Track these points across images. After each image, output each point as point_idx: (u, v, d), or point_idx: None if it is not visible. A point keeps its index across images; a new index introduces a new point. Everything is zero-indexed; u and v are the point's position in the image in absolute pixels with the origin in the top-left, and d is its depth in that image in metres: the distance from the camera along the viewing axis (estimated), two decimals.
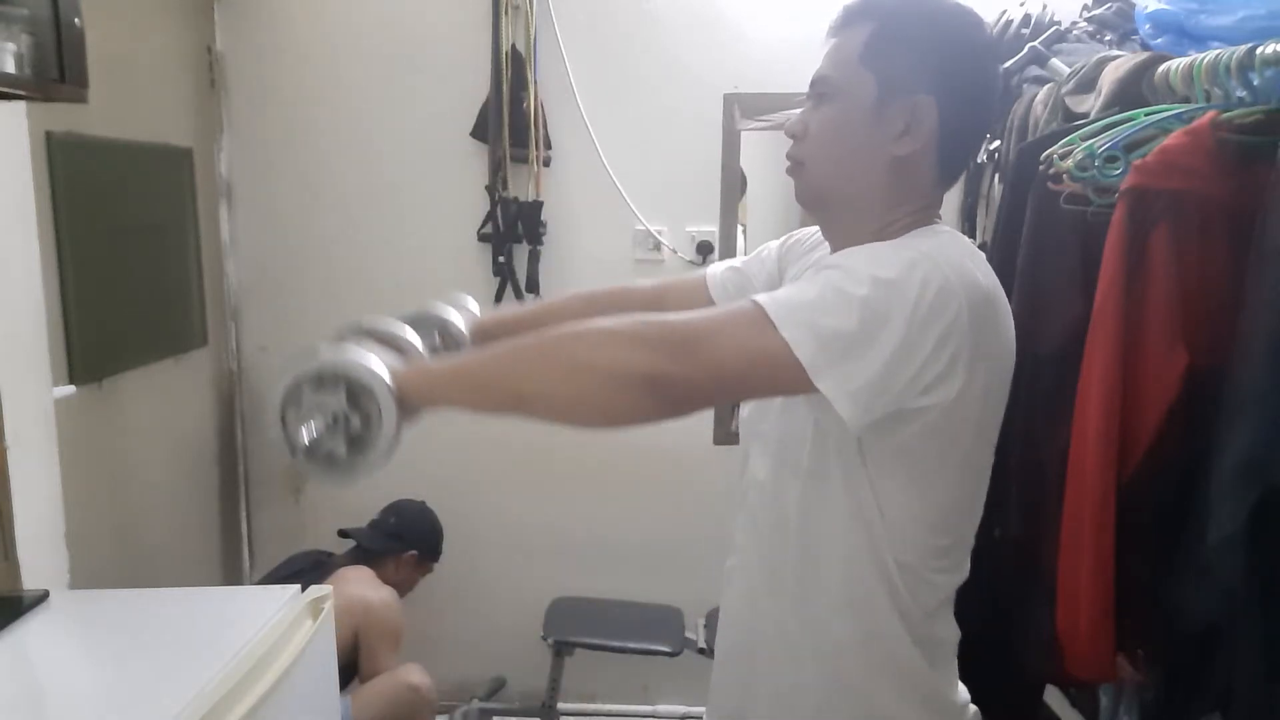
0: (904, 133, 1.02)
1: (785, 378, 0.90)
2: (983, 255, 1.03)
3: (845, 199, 1.07)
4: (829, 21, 1.07)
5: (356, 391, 0.96)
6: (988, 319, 0.95)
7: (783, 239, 1.29)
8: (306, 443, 0.98)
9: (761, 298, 0.92)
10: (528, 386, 0.95)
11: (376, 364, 0.96)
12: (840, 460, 1.01)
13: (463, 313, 1.31)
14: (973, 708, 1.14)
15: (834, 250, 1.12)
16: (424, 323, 1.26)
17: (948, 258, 0.94)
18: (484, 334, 1.29)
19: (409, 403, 0.97)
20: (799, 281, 0.97)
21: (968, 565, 1.09)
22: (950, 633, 1.11)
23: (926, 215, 1.06)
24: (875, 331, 0.89)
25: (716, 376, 0.91)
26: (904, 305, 0.89)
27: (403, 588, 2.36)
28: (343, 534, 2.42)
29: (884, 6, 1.04)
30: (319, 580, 2.11)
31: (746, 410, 1.19)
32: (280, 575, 2.26)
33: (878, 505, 1.01)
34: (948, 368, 0.92)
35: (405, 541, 2.38)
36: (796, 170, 1.09)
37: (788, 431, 1.08)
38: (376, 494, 2.58)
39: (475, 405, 1.00)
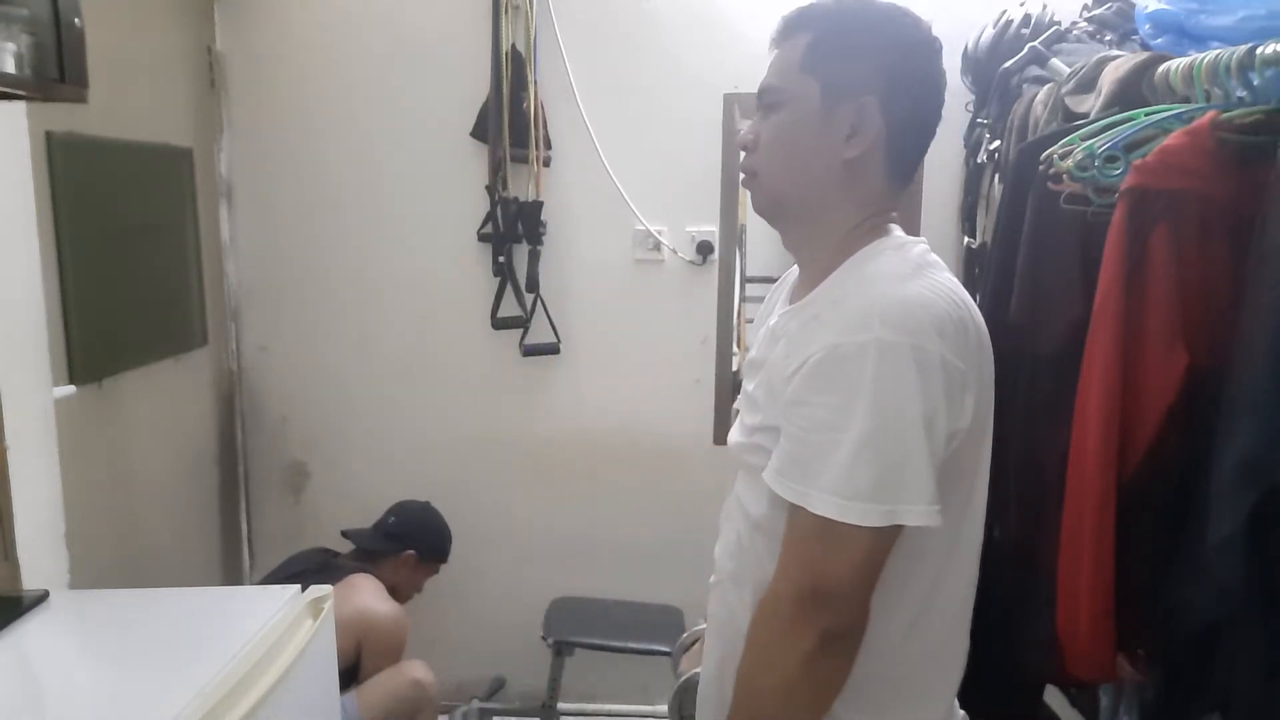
0: (851, 135, 1.04)
1: (884, 544, 0.95)
2: (929, 257, 1.04)
3: (799, 205, 1.09)
4: (769, 34, 1.12)
5: None
6: (962, 340, 0.97)
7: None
8: None
9: (803, 498, 0.95)
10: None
11: None
12: None
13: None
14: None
15: (799, 266, 1.14)
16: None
17: (898, 306, 0.95)
18: None
19: None
20: (797, 452, 0.98)
21: (969, 595, 1.10)
22: (955, 670, 1.11)
23: (880, 221, 1.08)
24: (904, 451, 0.92)
25: (856, 593, 0.96)
26: (904, 409, 0.92)
27: (404, 589, 2.35)
28: (345, 535, 2.41)
29: (820, 15, 1.07)
30: (324, 583, 2.10)
31: (732, 433, 1.19)
32: (284, 574, 2.24)
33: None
34: (960, 402, 0.96)
35: (403, 541, 2.37)
36: (751, 181, 1.11)
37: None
38: (378, 494, 2.59)
39: None
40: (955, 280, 1.03)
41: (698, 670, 1.19)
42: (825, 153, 1.05)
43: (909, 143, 1.08)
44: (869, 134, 1.03)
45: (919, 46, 1.07)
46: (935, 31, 1.08)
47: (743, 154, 1.12)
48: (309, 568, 2.24)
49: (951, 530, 1.02)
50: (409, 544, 2.37)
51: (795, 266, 1.21)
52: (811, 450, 0.96)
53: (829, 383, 0.96)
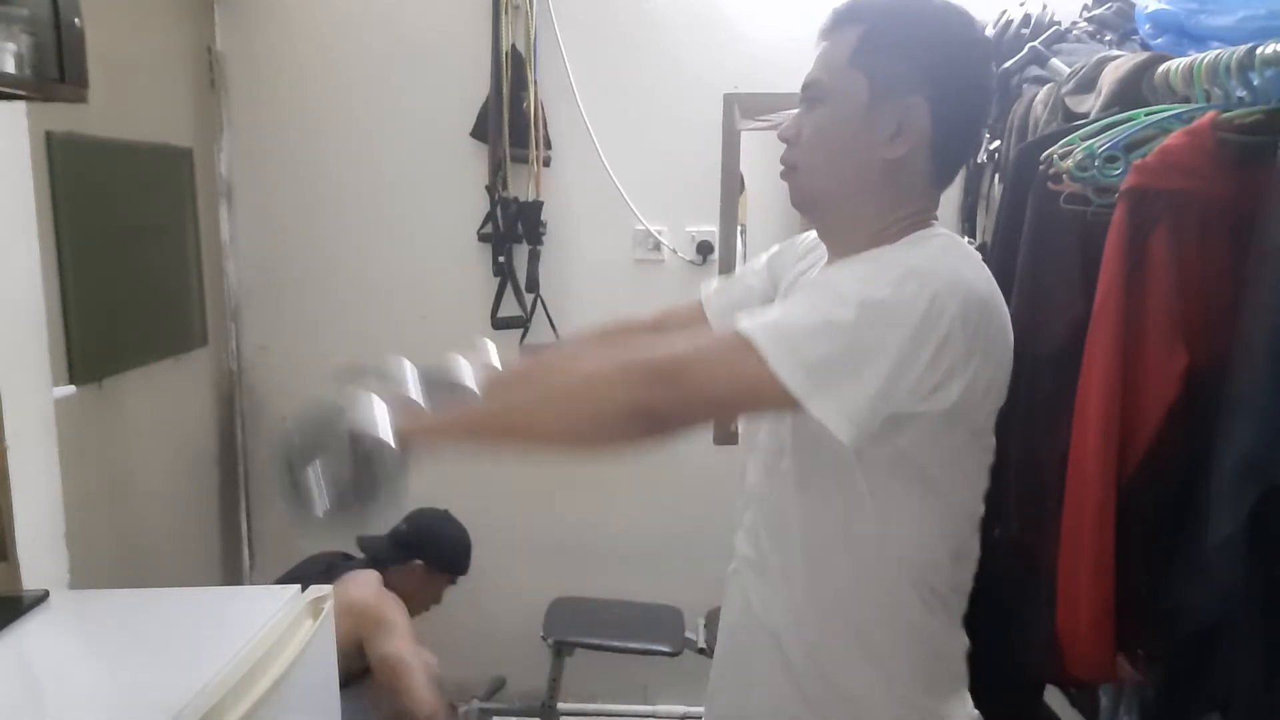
0: (895, 135, 1.01)
1: (774, 404, 0.92)
2: (978, 256, 1.04)
3: (838, 202, 1.07)
4: (819, 25, 1.08)
5: (361, 448, 0.99)
6: (983, 324, 0.95)
7: (772, 249, 1.29)
8: (315, 500, 1.01)
9: (747, 325, 0.92)
10: (527, 431, 1.01)
11: (381, 418, 1.00)
12: (834, 470, 1.01)
13: (478, 363, 1.31)
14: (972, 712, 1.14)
15: (830, 253, 1.12)
16: (437, 372, 1.27)
17: (938, 268, 0.94)
18: (494, 387, 1.31)
19: (411, 451, 1.00)
20: (786, 301, 0.98)
21: (973, 569, 1.09)
22: (958, 644, 1.10)
23: (922, 218, 1.06)
24: (865, 356, 0.89)
25: (702, 404, 0.95)
26: (895, 326, 0.89)
27: (414, 600, 2.26)
28: (358, 540, 2.33)
29: (873, 8, 1.04)
30: (325, 583, 2.07)
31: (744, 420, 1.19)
32: (293, 576, 2.20)
33: (878, 513, 1.01)
34: (944, 377, 0.92)
35: (411, 550, 2.29)
36: (790, 174, 1.09)
37: (778, 443, 1.08)
38: None
39: (474, 447, 1.07)
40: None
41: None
42: (866, 151, 1.03)
43: (954, 145, 1.06)
44: (913, 135, 1.01)
45: (970, 47, 1.05)
46: None
47: (779, 144, 1.10)
48: (315, 570, 2.20)
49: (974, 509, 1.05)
50: (417, 553, 2.29)
51: (808, 234, 1.21)
52: (785, 309, 0.95)
53: (846, 271, 0.96)
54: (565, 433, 0.98)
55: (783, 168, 1.10)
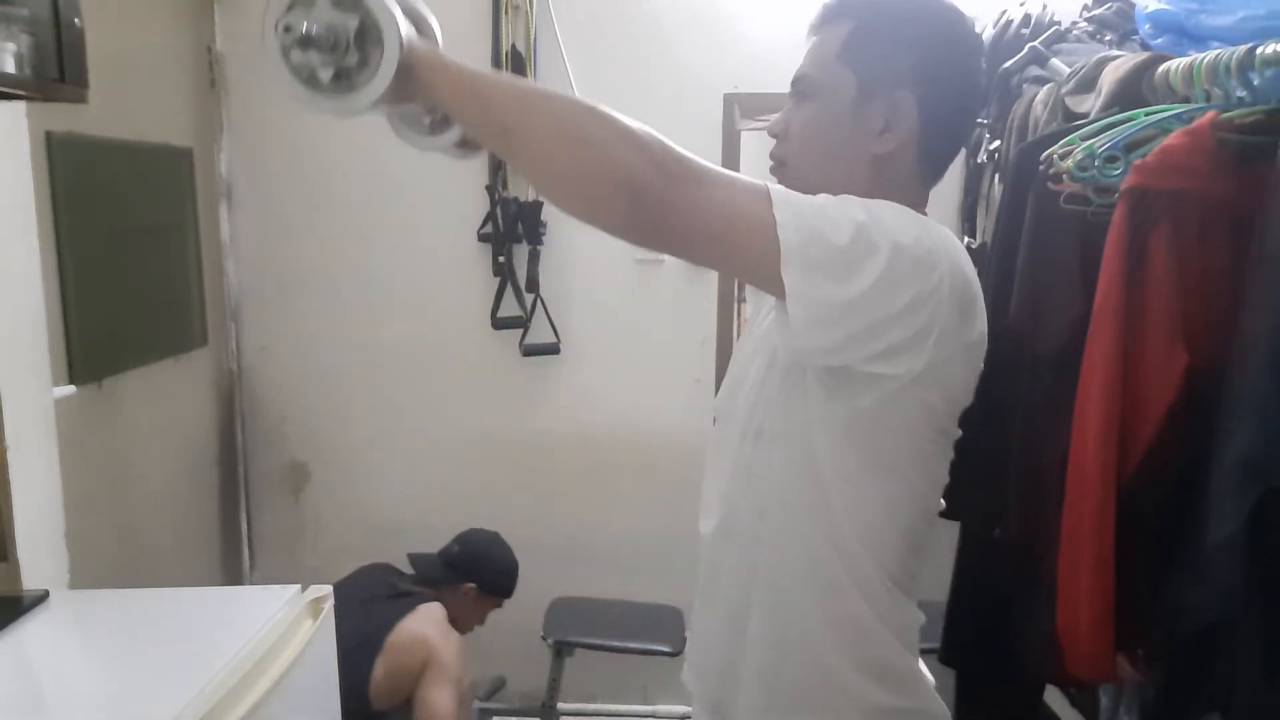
0: (884, 130, 1.02)
1: (756, 253, 0.89)
2: (961, 246, 1.03)
3: None
4: (809, 20, 1.08)
5: (368, 27, 0.92)
6: (966, 306, 0.95)
7: None
8: (298, 41, 0.93)
9: (773, 185, 0.92)
10: (523, 128, 0.92)
11: (400, 16, 0.92)
12: (800, 427, 1.01)
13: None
14: (930, 679, 1.13)
15: None
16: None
17: (938, 234, 0.95)
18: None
19: (411, 72, 0.93)
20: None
21: (921, 552, 1.09)
22: (912, 616, 1.10)
23: None
24: (858, 257, 0.88)
25: (696, 217, 0.90)
26: (891, 250, 0.88)
27: (463, 621, 2.27)
28: (410, 558, 2.34)
29: (862, 4, 1.04)
30: (398, 611, 2.06)
31: (722, 391, 1.19)
32: (355, 596, 2.07)
33: (835, 479, 1.00)
34: (915, 338, 0.91)
35: (464, 573, 2.29)
36: (780, 170, 1.09)
37: (755, 401, 1.08)
38: (377, 494, 2.59)
39: (467, 115, 0.98)
40: None
41: None
42: (855, 147, 1.03)
43: (943, 142, 1.06)
44: (902, 131, 1.02)
45: (960, 43, 1.05)
46: None
47: (773, 142, 1.10)
48: (379, 593, 2.16)
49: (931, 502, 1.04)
50: (470, 576, 2.29)
51: None
52: (813, 198, 0.93)
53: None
54: (555, 152, 0.90)
55: (772, 163, 1.10)
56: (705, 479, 1.20)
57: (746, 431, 1.09)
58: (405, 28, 0.93)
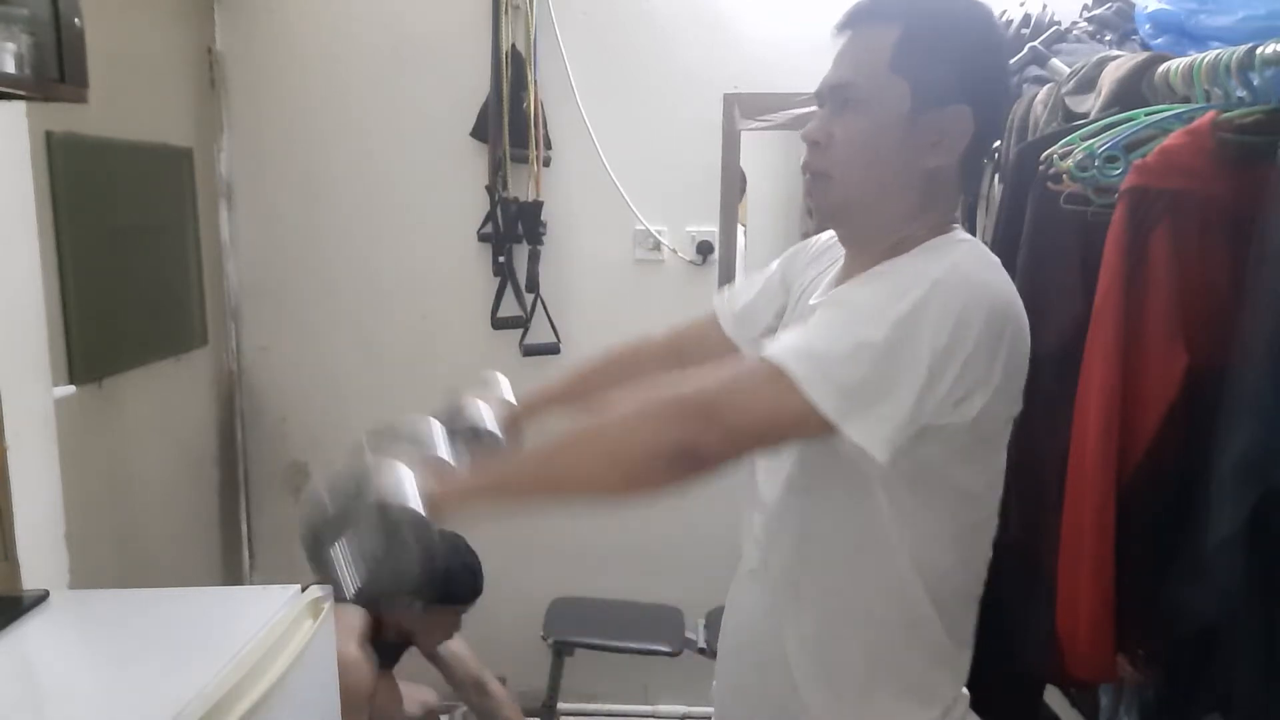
0: (937, 144, 0.98)
1: (811, 431, 0.89)
2: (999, 262, 1.01)
3: (871, 211, 1.02)
4: (844, 12, 1.02)
5: (390, 520, 0.94)
6: (1007, 334, 0.93)
7: (786, 252, 1.27)
8: (345, 579, 0.95)
9: (775, 352, 0.90)
10: (564, 484, 0.96)
11: (410, 487, 0.94)
12: (851, 482, 0.99)
13: (494, 401, 1.29)
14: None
15: (850, 257, 1.09)
16: (456, 420, 1.24)
17: (963, 278, 0.92)
18: (517, 422, 1.31)
19: (441, 517, 0.95)
20: (811, 322, 0.94)
21: (983, 576, 1.09)
22: (963, 654, 1.10)
23: (944, 222, 1.03)
24: (897, 375, 0.88)
25: (744, 440, 0.92)
26: (924, 342, 0.88)
27: (424, 635, 2.18)
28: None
29: (903, 6, 0.98)
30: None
31: None
32: None
33: (897, 521, 0.99)
34: (969, 390, 0.91)
35: None
36: (820, 181, 1.03)
37: (795, 454, 1.06)
38: None
39: (511, 508, 1.01)
40: None
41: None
42: (906, 160, 0.99)
43: (984, 148, 1.05)
44: (957, 144, 0.98)
45: (999, 47, 1.03)
46: None
47: (809, 148, 1.04)
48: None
49: (989, 513, 1.04)
50: None
51: (821, 236, 1.19)
52: (812, 331, 0.92)
53: (869, 286, 0.94)
54: (605, 481, 0.94)
55: (808, 175, 1.04)
56: (743, 517, 1.20)
57: (792, 481, 1.07)
58: (419, 503, 0.94)
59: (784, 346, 0.90)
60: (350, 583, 0.94)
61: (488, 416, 1.24)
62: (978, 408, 0.92)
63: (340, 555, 0.94)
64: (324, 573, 0.95)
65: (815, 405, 0.87)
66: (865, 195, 1.01)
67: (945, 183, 1.02)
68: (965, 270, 0.93)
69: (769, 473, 1.12)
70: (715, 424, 0.89)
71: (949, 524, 1.02)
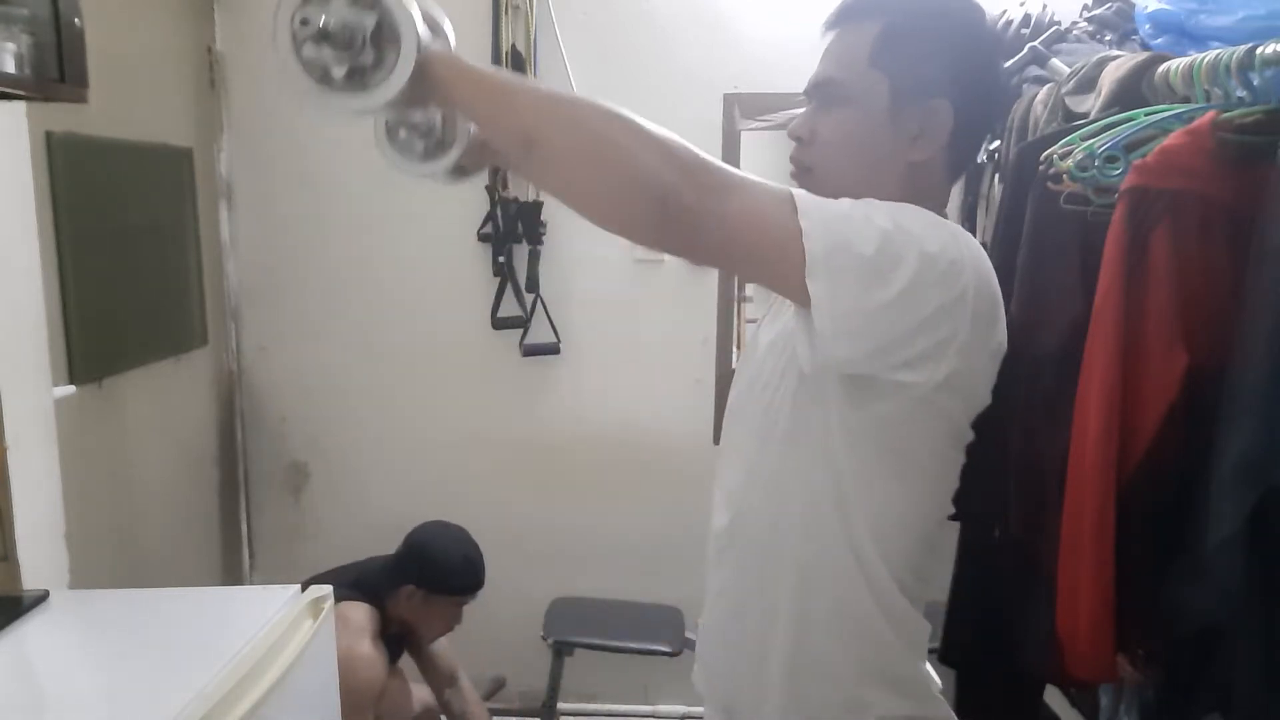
0: (918, 137, 1.00)
1: (783, 263, 0.87)
2: (984, 252, 1.03)
3: None
4: (832, 10, 1.04)
5: (385, 26, 0.89)
6: (989, 314, 0.94)
7: None
8: (313, 35, 0.88)
9: (797, 190, 0.89)
10: (548, 136, 0.89)
11: (418, 16, 0.89)
12: (819, 430, 1.00)
13: None
14: (937, 683, 1.13)
15: None
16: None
17: (965, 241, 0.93)
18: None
19: (427, 74, 0.90)
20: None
21: (940, 562, 1.09)
22: (920, 625, 1.10)
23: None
24: (884, 267, 0.86)
25: (725, 228, 0.88)
26: (918, 259, 0.87)
27: (424, 628, 2.14)
28: (362, 563, 2.19)
29: (890, 3, 1.00)
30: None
31: (735, 390, 1.18)
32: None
33: (853, 482, 1.00)
34: (938, 347, 0.90)
35: (403, 575, 2.08)
36: (804, 176, 1.05)
37: (770, 402, 1.06)
38: (377, 494, 2.58)
39: (485, 120, 0.95)
40: None
41: None
42: (888, 154, 1.00)
43: (970, 143, 1.06)
44: (936, 138, 1.00)
45: (987, 45, 1.04)
46: None
47: (794, 143, 1.06)
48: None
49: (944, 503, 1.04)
50: (408, 578, 2.07)
51: None
52: (834, 201, 0.91)
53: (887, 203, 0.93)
54: (581, 162, 0.88)
55: (794, 168, 1.06)
56: (717, 476, 1.19)
57: (760, 432, 1.07)
58: (423, 29, 0.90)
59: (805, 192, 0.90)
60: (316, 69, 0.88)
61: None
62: (943, 373, 0.92)
63: (324, 13, 0.87)
64: (294, 26, 0.88)
65: (801, 237, 0.85)
66: (848, 188, 1.02)
67: (930, 178, 1.04)
68: (965, 238, 0.95)
69: (738, 427, 1.12)
70: (711, 192, 0.86)
71: (906, 498, 1.02)
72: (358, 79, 0.91)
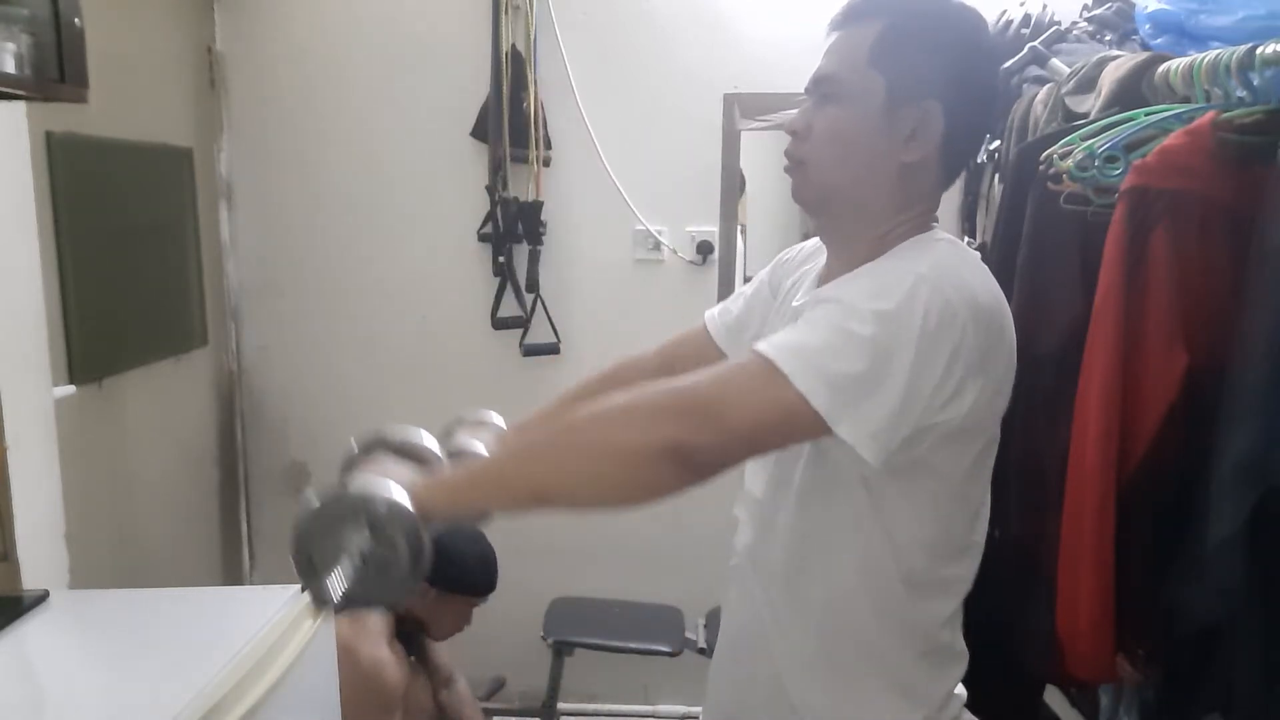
0: (910, 138, 1.00)
1: (803, 428, 0.89)
2: (978, 258, 1.03)
3: (848, 202, 1.05)
4: (832, 15, 1.05)
5: (379, 525, 0.92)
6: (992, 329, 0.94)
7: (771, 262, 1.28)
8: (340, 591, 0.92)
9: (765, 348, 0.89)
10: (549, 479, 0.92)
11: (396, 491, 0.92)
12: (838, 478, 1.01)
13: (485, 429, 1.26)
14: (963, 694, 1.13)
15: (831, 254, 1.11)
16: (445, 443, 1.21)
17: (946, 274, 0.93)
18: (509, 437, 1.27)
19: (431, 518, 0.93)
20: (800, 321, 0.95)
21: (974, 571, 1.09)
22: (959, 648, 1.10)
23: (925, 220, 1.06)
24: (886, 369, 0.87)
25: (737, 438, 0.89)
26: (910, 337, 0.88)
27: (437, 626, 2.15)
28: None
29: (891, 5, 1.01)
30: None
31: None
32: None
33: (883, 520, 1.00)
34: (958, 386, 0.91)
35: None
36: (797, 169, 1.06)
37: (784, 451, 1.07)
38: None
39: (499, 507, 0.98)
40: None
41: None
42: (881, 153, 1.01)
43: (964, 147, 1.06)
44: (930, 139, 1.00)
45: (984, 51, 1.05)
46: None
47: (790, 138, 1.07)
48: None
49: (981, 505, 1.04)
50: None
51: (807, 243, 1.20)
52: (801, 329, 0.92)
53: (855, 283, 0.94)
54: (595, 482, 0.91)
55: (787, 161, 1.07)
56: (740, 493, 1.20)
57: (776, 476, 1.08)
58: (406, 500, 0.91)
59: (774, 343, 0.90)
60: (338, 587, 0.91)
61: (478, 443, 1.21)
62: (968, 405, 0.93)
63: (327, 560, 0.92)
64: (310, 581, 0.93)
65: (806, 398, 0.86)
66: (840, 183, 1.04)
67: (923, 180, 1.04)
68: (947, 266, 0.95)
69: (762, 467, 1.13)
70: (707, 420, 0.87)
71: (939, 513, 1.02)
72: (385, 569, 0.92)
